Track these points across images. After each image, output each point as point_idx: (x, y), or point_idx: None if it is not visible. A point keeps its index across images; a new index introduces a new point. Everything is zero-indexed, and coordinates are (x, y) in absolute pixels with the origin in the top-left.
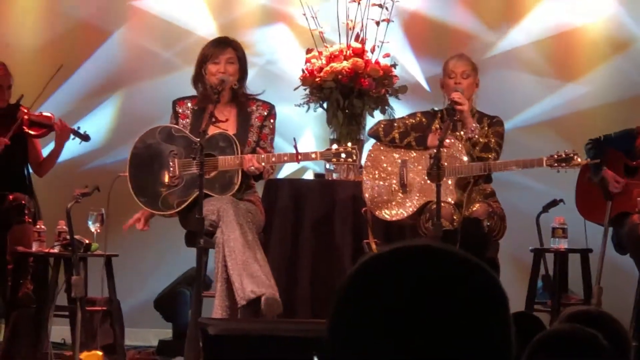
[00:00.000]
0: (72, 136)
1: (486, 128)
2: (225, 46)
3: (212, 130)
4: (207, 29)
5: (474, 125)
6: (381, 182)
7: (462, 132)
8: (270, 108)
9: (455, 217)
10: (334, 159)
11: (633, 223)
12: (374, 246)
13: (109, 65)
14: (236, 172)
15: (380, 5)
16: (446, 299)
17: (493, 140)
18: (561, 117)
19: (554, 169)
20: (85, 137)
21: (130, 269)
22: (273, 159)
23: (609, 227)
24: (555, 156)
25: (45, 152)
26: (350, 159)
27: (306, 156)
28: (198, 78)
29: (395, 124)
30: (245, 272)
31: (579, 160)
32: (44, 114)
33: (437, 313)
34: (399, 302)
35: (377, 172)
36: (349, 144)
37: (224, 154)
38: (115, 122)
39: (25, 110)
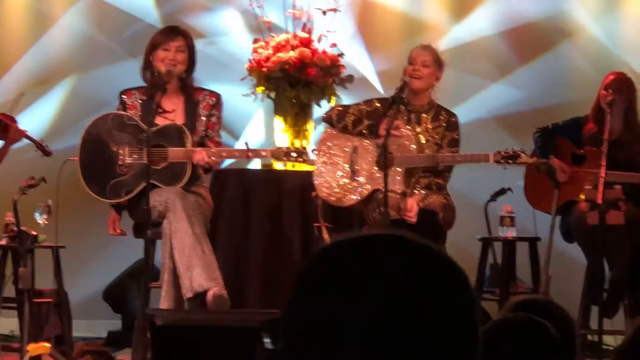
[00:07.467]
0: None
1: (444, 126)
2: (176, 34)
3: (160, 121)
4: (152, 16)
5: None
6: (331, 167)
7: (417, 128)
8: (218, 97)
9: (401, 207)
10: (284, 158)
11: (580, 211)
12: (324, 230)
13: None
14: (186, 164)
15: None
16: (408, 285)
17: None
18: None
19: (500, 165)
20: (47, 153)
21: (78, 260)
22: (224, 154)
23: (556, 216)
24: (503, 153)
25: None
26: (300, 159)
27: (257, 153)
28: (147, 66)
29: (350, 110)
30: (192, 264)
31: (526, 158)
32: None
33: (400, 299)
34: (359, 288)
35: (328, 157)
36: (299, 143)
37: (175, 146)
38: (61, 110)
39: None
